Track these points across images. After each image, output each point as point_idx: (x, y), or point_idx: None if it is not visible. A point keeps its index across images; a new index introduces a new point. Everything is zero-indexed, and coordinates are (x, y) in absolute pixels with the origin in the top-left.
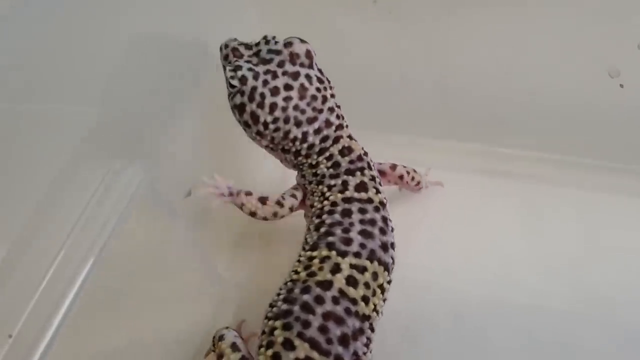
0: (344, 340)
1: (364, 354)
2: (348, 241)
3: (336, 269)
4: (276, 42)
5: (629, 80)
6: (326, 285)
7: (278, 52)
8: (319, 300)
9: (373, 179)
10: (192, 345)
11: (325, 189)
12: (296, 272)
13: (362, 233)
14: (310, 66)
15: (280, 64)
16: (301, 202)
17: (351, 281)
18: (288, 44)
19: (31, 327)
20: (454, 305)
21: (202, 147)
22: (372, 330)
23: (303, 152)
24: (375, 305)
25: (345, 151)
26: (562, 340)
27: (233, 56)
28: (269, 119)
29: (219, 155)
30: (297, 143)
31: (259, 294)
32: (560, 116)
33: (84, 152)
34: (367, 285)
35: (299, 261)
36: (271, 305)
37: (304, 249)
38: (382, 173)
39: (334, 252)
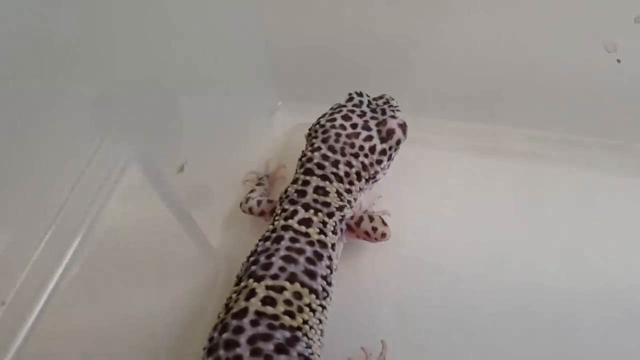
0: (281, 350)
1: (311, 354)
2: (267, 266)
3: (251, 295)
4: (389, 105)
5: (626, 55)
6: (241, 314)
7: (376, 111)
8: (239, 330)
9: (324, 224)
10: (185, 317)
11: (279, 211)
12: (218, 317)
13: (285, 258)
14: (384, 140)
15: (368, 114)
16: None
17: (268, 301)
18: (391, 116)
19: (24, 296)
20: (446, 282)
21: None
22: (309, 337)
23: (304, 159)
24: (305, 321)
25: (320, 191)
26: (556, 317)
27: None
28: (322, 121)
29: (212, 132)
30: (309, 149)
31: None
32: (557, 93)
33: (77, 125)
34: (288, 302)
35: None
36: (204, 348)
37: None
38: (348, 227)
39: (251, 280)
